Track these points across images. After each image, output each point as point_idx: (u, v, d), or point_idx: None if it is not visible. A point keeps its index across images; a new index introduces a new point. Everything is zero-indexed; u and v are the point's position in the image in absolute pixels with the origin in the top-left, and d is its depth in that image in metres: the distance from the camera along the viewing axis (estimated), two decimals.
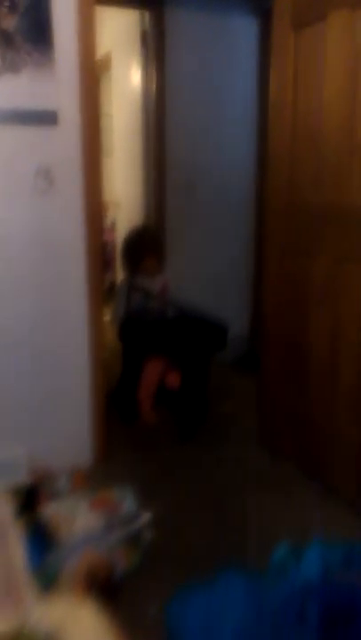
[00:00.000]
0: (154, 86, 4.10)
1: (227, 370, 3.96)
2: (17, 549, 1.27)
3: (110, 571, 1.90)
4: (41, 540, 2.03)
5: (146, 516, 2.21)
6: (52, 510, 2.20)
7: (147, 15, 4.07)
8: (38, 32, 2.31)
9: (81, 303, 2.61)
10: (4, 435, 2.57)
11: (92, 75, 2.50)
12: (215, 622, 1.71)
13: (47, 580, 1.82)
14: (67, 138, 2.43)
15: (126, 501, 2.30)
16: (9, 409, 2.59)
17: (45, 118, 2.38)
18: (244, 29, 4.22)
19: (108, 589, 1.83)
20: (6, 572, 1.21)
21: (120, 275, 4.14)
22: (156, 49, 4.07)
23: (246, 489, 2.62)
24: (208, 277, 4.27)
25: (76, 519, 2.13)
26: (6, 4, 2.24)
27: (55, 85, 2.38)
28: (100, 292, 2.72)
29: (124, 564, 1.99)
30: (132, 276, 3.46)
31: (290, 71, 2.58)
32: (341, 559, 1.87)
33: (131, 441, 3.09)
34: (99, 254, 2.66)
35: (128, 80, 4.62)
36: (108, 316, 3.65)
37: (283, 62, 2.62)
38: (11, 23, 2.25)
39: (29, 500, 2.25)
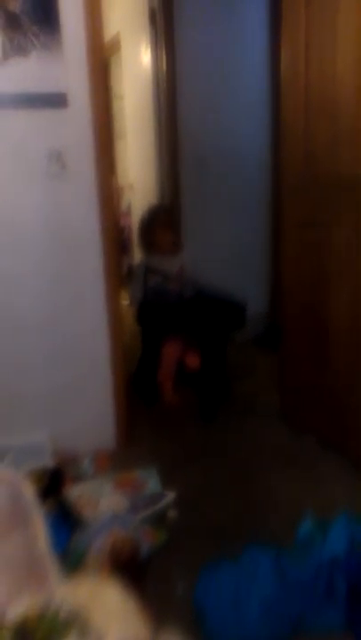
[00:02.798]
0: (164, 65, 4.06)
1: (247, 348, 3.94)
2: (41, 531, 1.27)
3: (136, 550, 1.92)
4: (66, 522, 2.05)
5: (170, 496, 2.22)
6: (76, 492, 2.22)
7: None
8: (44, 13, 2.28)
9: (99, 287, 2.61)
10: (28, 419, 2.59)
11: (101, 55, 2.47)
12: (243, 598, 1.71)
13: (73, 561, 1.84)
14: (77, 120, 2.41)
15: (151, 482, 2.31)
16: (32, 394, 2.61)
17: (55, 101, 2.36)
18: (253, 2, 4.14)
19: (134, 569, 1.84)
20: (30, 553, 1.21)
21: (138, 258, 4.13)
22: (165, 27, 4.02)
23: (270, 465, 2.61)
24: (226, 255, 4.23)
25: (101, 500, 2.15)
26: None
27: (64, 67, 2.35)
28: (118, 275, 2.71)
29: (149, 544, 2.00)
30: (147, 254, 3.46)
31: (301, 42, 2.53)
32: None
33: (153, 422, 3.09)
34: (114, 237, 2.65)
35: (138, 60, 4.58)
36: (126, 300, 3.65)
37: (294, 33, 2.57)
38: (16, 5, 2.23)
39: (54, 482, 2.27)
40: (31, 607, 1.05)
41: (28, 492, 1.37)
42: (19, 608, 1.06)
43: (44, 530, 1.28)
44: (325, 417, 2.73)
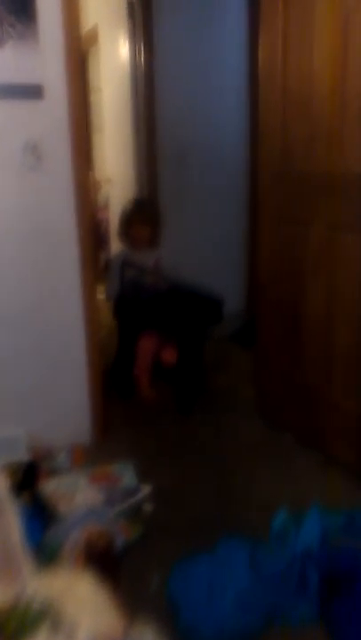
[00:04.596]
0: (142, 59, 4.04)
1: (224, 344, 3.95)
2: (14, 524, 1.27)
3: (111, 544, 1.91)
4: (41, 517, 2.04)
5: (146, 490, 2.22)
6: (51, 487, 2.20)
7: None
8: (21, 3, 2.26)
9: (75, 281, 2.59)
10: (3, 413, 2.57)
11: (78, 47, 2.45)
12: (217, 591, 1.72)
13: (48, 555, 1.83)
14: (53, 112, 2.39)
15: (126, 475, 2.31)
16: (7, 387, 2.59)
17: (31, 92, 2.34)
18: None
19: (108, 563, 1.84)
20: (3, 546, 1.21)
21: (116, 252, 4.11)
22: (143, 20, 4.01)
23: (245, 460, 2.63)
24: (203, 251, 4.24)
25: (76, 495, 2.13)
26: None
27: (40, 58, 2.33)
28: (94, 269, 2.69)
29: (124, 538, 2.00)
30: (125, 246, 3.46)
31: (279, 37, 2.53)
32: (340, 525, 1.88)
33: (129, 416, 3.09)
34: (90, 230, 2.63)
35: (116, 53, 4.55)
36: (102, 294, 3.64)
37: (272, 28, 2.57)
38: None
39: (29, 477, 2.25)
40: (3, 600, 1.05)
41: (2, 485, 1.37)
42: None
43: (18, 523, 1.27)
44: (300, 414, 2.74)
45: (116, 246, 4.23)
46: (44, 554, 1.82)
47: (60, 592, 1.11)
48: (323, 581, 1.73)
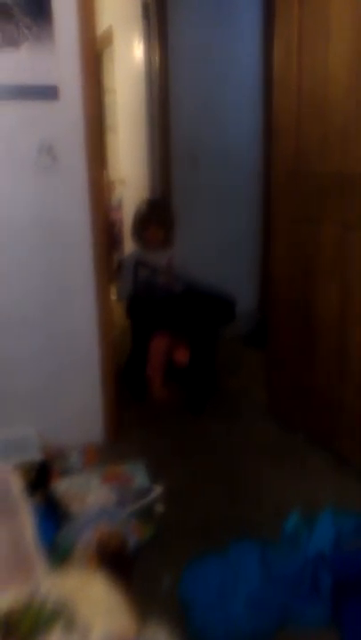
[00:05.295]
0: (157, 60, 4.05)
1: (236, 344, 3.95)
2: (28, 524, 1.28)
3: (123, 544, 1.92)
4: (54, 516, 2.05)
5: (158, 490, 2.22)
6: (64, 486, 2.21)
7: None
8: (37, 4, 2.27)
9: (88, 281, 2.60)
10: (17, 413, 2.58)
11: (93, 48, 2.46)
12: (228, 592, 1.72)
13: (61, 554, 1.84)
14: (69, 113, 2.40)
15: (138, 476, 2.31)
16: (21, 387, 2.61)
17: (46, 93, 2.35)
18: None
19: (121, 563, 1.84)
20: (16, 546, 1.22)
21: (129, 252, 4.12)
22: (158, 21, 4.01)
23: (257, 461, 2.62)
24: (216, 252, 4.23)
25: (89, 494, 2.14)
26: None
27: (55, 60, 2.34)
28: (108, 269, 2.70)
29: (136, 538, 2.00)
30: (139, 246, 3.47)
31: (294, 38, 2.53)
32: (353, 528, 1.88)
33: (142, 416, 3.10)
34: (104, 231, 2.64)
35: (131, 54, 4.56)
36: (114, 295, 3.64)
37: (287, 29, 2.56)
38: None
39: (42, 476, 2.26)
40: (17, 599, 1.05)
41: (16, 485, 1.37)
42: (4, 600, 1.06)
43: (31, 523, 1.28)
44: (312, 414, 2.74)
45: (129, 246, 4.24)
46: (57, 553, 1.82)
47: (72, 592, 1.11)
48: (335, 584, 1.72)
